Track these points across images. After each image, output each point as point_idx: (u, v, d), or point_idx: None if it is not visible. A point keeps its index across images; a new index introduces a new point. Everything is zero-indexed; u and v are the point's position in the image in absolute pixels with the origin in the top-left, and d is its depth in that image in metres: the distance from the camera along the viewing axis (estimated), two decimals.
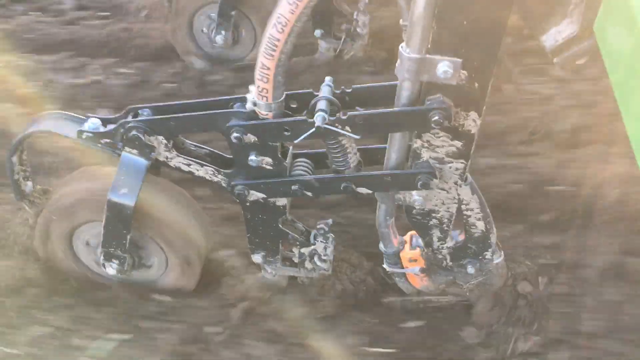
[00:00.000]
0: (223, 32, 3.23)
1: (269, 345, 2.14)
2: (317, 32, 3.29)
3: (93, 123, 1.91)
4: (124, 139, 1.87)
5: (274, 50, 1.60)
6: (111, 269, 2.10)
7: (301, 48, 3.33)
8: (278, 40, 1.59)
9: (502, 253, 2.06)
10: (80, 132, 1.90)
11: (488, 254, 2.02)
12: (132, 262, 2.14)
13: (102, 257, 2.09)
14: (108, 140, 1.90)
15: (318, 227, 2.09)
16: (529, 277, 2.22)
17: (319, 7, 3.19)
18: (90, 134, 1.90)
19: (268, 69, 1.64)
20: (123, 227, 1.99)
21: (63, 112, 2.00)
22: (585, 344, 2.10)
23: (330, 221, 2.11)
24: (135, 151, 1.90)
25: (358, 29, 3.29)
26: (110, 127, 1.89)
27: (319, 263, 2.10)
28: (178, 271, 2.17)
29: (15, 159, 2.01)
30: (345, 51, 3.36)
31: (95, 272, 2.24)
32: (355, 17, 3.27)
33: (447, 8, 1.49)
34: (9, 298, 2.23)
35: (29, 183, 2.10)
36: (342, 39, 3.32)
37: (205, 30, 3.35)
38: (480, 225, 1.95)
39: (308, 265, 2.11)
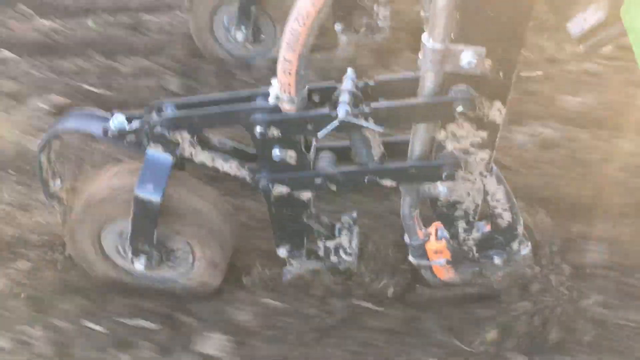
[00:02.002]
0: (243, 28, 3.24)
1: None
2: (337, 26, 3.28)
3: (118, 120, 1.92)
4: (149, 136, 1.89)
5: (296, 44, 1.60)
6: (139, 264, 2.12)
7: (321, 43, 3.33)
8: (300, 33, 1.59)
9: (529, 243, 2.04)
10: (106, 129, 1.92)
11: (515, 245, 2.01)
12: (159, 257, 2.15)
13: (130, 253, 2.11)
14: (133, 138, 1.92)
15: (342, 220, 2.08)
16: None
17: (339, 1, 3.18)
18: (116, 132, 1.92)
19: (290, 62, 1.64)
20: (150, 223, 2.01)
21: (88, 109, 2.03)
22: None
23: (354, 214, 2.10)
24: (160, 147, 1.91)
25: (379, 22, 3.27)
26: (135, 124, 1.91)
27: (344, 256, 2.10)
28: (204, 267, 2.18)
29: (43, 157, 2.03)
30: (366, 45, 3.34)
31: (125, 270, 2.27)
32: (375, 10, 3.24)
33: None
34: None
35: (58, 181, 2.12)
36: (362, 32, 3.29)
37: (225, 27, 3.36)
38: (507, 216, 1.93)
39: (333, 258, 2.11)
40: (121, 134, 1.92)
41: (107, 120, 1.94)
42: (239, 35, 3.25)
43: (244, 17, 3.21)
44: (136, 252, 2.10)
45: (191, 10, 3.36)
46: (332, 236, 2.08)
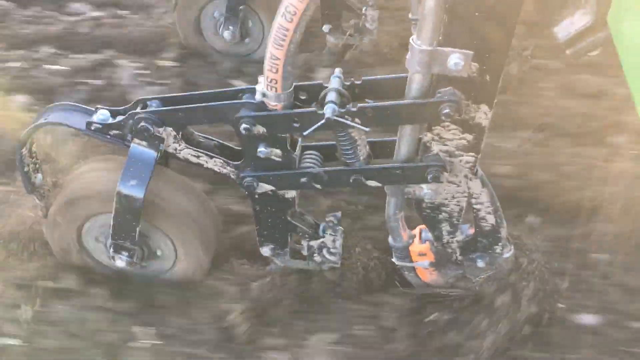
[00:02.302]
0: (231, 27, 3.22)
1: None
2: (326, 27, 3.27)
3: (102, 114, 1.90)
4: (133, 131, 1.87)
5: (284, 40, 1.60)
6: (120, 261, 2.10)
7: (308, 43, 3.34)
8: (287, 29, 1.58)
9: (512, 247, 2.04)
10: (89, 123, 1.90)
11: (498, 248, 2.01)
12: (141, 254, 2.13)
13: (111, 249, 2.09)
14: (117, 132, 1.90)
15: (327, 219, 2.08)
16: None
17: (328, 1, 3.18)
18: (99, 126, 1.90)
19: (277, 58, 1.64)
20: (132, 219, 1.98)
21: (72, 103, 2.00)
22: None
23: (339, 214, 2.10)
24: (144, 143, 1.89)
25: (367, 24, 3.27)
26: (119, 118, 1.89)
27: (327, 256, 2.09)
28: (187, 264, 2.17)
29: (25, 151, 2.00)
30: (354, 46, 3.34)
31: (105, 265, 2.24)
32: (364, 11, 3.25)
33: (459, 0, 1.48)
34: None
35: (39, 175, 2.09)
36: (350, 34, 3.29)
37: (212, 25, 3.34)
38: (491, 219, 1.94)
39: (317, 258, 2.11)
40: (105, 129, 1.90)
41: (91, 114, 1.92)
42: (227, 34, 3.24)
43: (232, 16, 3.20)
44: (118, 249, 2.08)
45: (178, 7, 3.34)
46: (316, 235, 2.07)
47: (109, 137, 1.91)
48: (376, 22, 3.28)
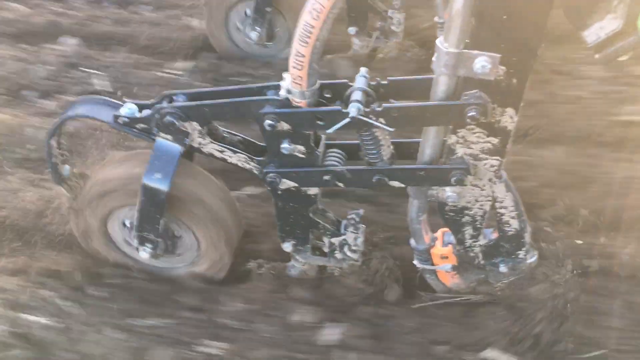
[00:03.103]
0: (257, 28, 3.24)
1: None
2: (351, 30, 3.28)
3: (129, 108, 1.93)
4: (159, 125, 1.89)
5: (309, 37, 1.60)
6: (144, 253, 2.13)
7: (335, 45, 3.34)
8: (313, 27, 1.58)
9: (536, 252, 2.02)
10: (117, 116, 1.92)
11: (521, 253, 1.98)
12: (164, 247, 2.16)
13: (135, 241, 2.12)
14: (143, 126, 1.92)
15: (349, 217, 2.08)
16: None
17: (353, 4, 3.19)
18: (126, 119, 1.92)
19: (303, 56, 1.64)
20: (157, 211, 2.01)
21: (100, 96, 2.04)
22: None
23: (361, 211, 2.09)
24: (169, 137, 1.91)
25: (392, 27, 3.26)
26: (146, 112, 1.91)
27: (348, 253, 2.09)
28: (209, 258, 2.19)
29: (53, 142, 2.04)
30: (379, 49, 3.33)
31: (130, 257, 2.27)
32: (390, 14, 3.24)
33: (487, 2, 1.46)
34: None
35: (67, 167, 2.13)
36: (376, 37, 3.29)
37: (239, 26, 3.37)
38: (515, 223, 1.91)
39: (338, 255, 2.11)
40: (132, 122, 1.92)
41: (118, 107, 1.95)
42: (253, 35, 3.27)
43: (259, 17, 3.22)
44: (142, 241, 2.10)
45: (207, 6, 3.37)
46: (337, 233, 2.07)
47: (135, 130, 1.94)
48: (402, 25, 3.27)
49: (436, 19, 2.77)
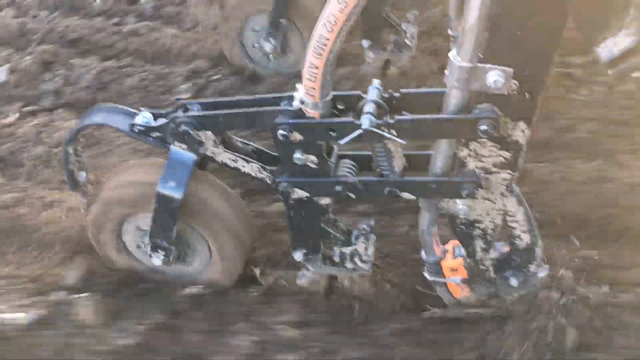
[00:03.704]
0: (272, 40, 3.27)
1: None
2: (365, 43, 3.28)
3: (145, 117, 1.96)
4: (174, 133, 1.92)
5: (323, 49, 1.61)
6: (157, 259, 2.15)
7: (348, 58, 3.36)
8: (327, 39, 1.59)
9: (547, 267, 2.01)
10: (133, 125, 1.95)
11: (532, 267, 1.98)
12: (177, 254, 2.18)
13: (149, 248, 2.14)
14: (158, 134, 1.95)
15: (360, 227, 2.08)
16: None
17: (367, 17, 3.20)
18: (142, 128, 1.95)
19: (317, 67, 1.65)
20: (170, 219, 2.03)
21: (116, 105, 2.07)
22: None
23: (372, 222, 2.10)
24: (184, 145, 1.94)
25: (406, 40, 3.27)
26: (161, 121, 1.94)
27: (359, 263, 2.09)
28: (220, 266, 2.20)
29: (70, 149, 2.08)
30: (392, 62, 3.34)
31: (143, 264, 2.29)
32: (404, 28, 3.25)
33: (501, 17, 1.47)
34: None
35: (83, 173, 2.16)
36: (390, 50, 3.30)
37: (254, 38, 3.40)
38: (526, 237, 1.91)
39: (348, 265, 2.11)
40: (147, 130, 1.95)
41: (134, 116, 1.98)
42: (267, 47, 3.29)
43: (273, 29, 3.25)
44: (155, 248, 2.13)
45: (222, 19, 3.40)
46: (348, 242, 2.08)
47: (150, 139, 1.96)
48: (415, 39, 3.28)
49: (449, 32, 2.77)
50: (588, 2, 1.37)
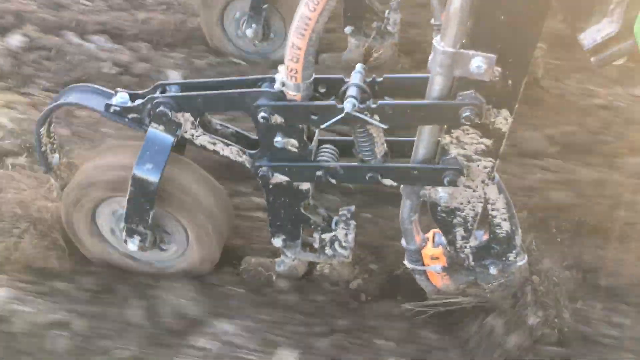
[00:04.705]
0: (254, 25, 3.23)
1: None
2: (348, 29, 3.27)
3: (121, 97, 1.91)
4: (151, 115, 1.88)
5: (305, 30, 1.59)
6: (132, 245, 2.11)
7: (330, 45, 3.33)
8: (310, 19, 1.57)
9: (526, 255, 2.01)
10: (108, 105, 1.91)
11: (512, 256, 1.98)
12: (153, 239, 2.14)
13: (124, 233, 2.10)
14: (135, 115, 1.91)
15: (340, 213, 2.07)
16: None
17: (350, 3, 3.19)
18: (118, 108, 1.91)
19: (299, 48, 1.63)
20: (146, 203, 2.00)
21: (92, 85, 2.02)
22: None
23: (352, 208, 2.09)
24: (161, 127, 1.90)
25: (389, 27, 3.26)
26: (138, 102, 1.90)
27: (339, 249, 2.08)
28: (197, 252, 2.17)
29: (43, 130, 2.02)
30: (375, 49, 3.32)
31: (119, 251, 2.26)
32: (386, 15, 3.23)
33: (485, 3, 1.46)
34: None
35: (56, 155, 2.11)
36: (372, 37, 3.28)
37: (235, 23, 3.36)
38: (506, 225, 1.91)
39: (328, 251, 2.10)
40: (123, 111, 1.91)
41: (110, 96, 1.93)
42: (249, 32, 3.26)
43: (255, 14, 3.21)
44: (130, 233, 2.09)
45: (203, 4, 3.35)
46: (328, 229, 2.06)
47: (127, 120, 1.92)
48: (398, 25, 3.26)
49: (432, 21, 2.77)
50: None
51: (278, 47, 3.35)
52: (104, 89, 1.98)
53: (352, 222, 2.07)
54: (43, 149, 2.05)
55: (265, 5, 3.18)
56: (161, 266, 2.26)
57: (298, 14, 1.58)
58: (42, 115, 2.00)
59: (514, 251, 1.97)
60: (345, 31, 3.27)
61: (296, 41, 1.62)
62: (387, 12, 3.23)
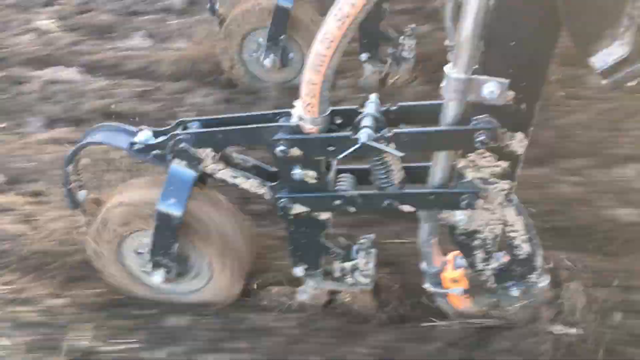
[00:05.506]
0: (272, 55, 3.29)
1: None
2: (363, 56, 3.32)
3: (145, 135, 1.97)
4: (174, 151, 1.92)
5: (321, 66, 1.63)
6: (157, 277, 2.15)
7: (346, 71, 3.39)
8: (325, 56, 1.61)
9: (548, 276, 2.02)
10: (132, 143, 1.96)
11: (533, 277, 1.99)
12: (178, 271, 2.18)
13: (150, 266, 2.14)
14: (158, 152, 1.95)
15: (360, 241, 2.09)
16: None
17: (365, 30, 3.24)
18: (142, 146, 1.96)
19: (314, 84, 1.66)
20: (170, 236, 2.04)
21: (116, 123, 2.08)
22: None
23: (372, 236, 2.11)
24: (183, 162, 1.94)
25: (404, 53, 3.30)
26: (161, 139, 1.94)
27: (360, 278, 2.10)
28: (221, 283, 2.20)
29: (70, 168, 2.08)
30: (390, 75, 3.37)
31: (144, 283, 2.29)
32: (401, 41, 3.28)
33: (496, 29, 1.49)
34: None
35: (83, 192, 2.17)
36: (388, 63, 3.33)
37: (254, 54, 3.42)
38: (526, 247, 1.92)
39: (349, 280, 2.11)
40: (147, 149, 1.96)
41: (134, 134, 1.99)
42: (267, 62, 3.31)
43: (273, 44, 3.27)
44: (155, 265, 2.12)
45: (224, 35, 3.42)
46: (349, 257, 2.08)
47: (150, 157, 1.97)
48: (413, 51, 3.30)
49: (446, 42, 2.80)
50: (581, 12, 1.39)
51: (297, 75, 3.40)
52: (128, 126, 2.04)
53: (372, 250, 2.09)
54: (70, 186, 2.10)
55: (283, 36, 3.25)
56: (185, 298, 2.28)
57: (313, 51, 1.62)
58: (69, 154, 2.06)
59: (535, 272, 1.98)
60: (360, 58, 3.32)
61: (312, 77, 1.66)
62: (401, 38, 3.28)
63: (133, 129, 2.02)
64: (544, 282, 2.01)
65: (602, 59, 1.39)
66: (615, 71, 1.39)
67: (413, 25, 3.32)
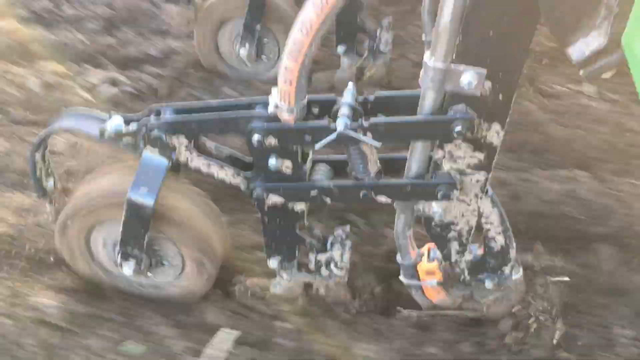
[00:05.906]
0: (247, 45, 3.26)
1: None
2: (340, 48, 3.30)
3: (116, 122, 1.91)
4: (146, 138, 1.88)
5: (298, 53, 1.60)
6: (127, 269, 2.10)
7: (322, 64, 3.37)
8: (302, 43, 1.59)
9: (521, 269, 2.03)
10: (103, 130, 1.91)
11: (507, 269, 1.99)
12: (148, 263, 2.13)
13: (119, 257, 2.09)
14: (130, 139, 1.91)
15: (335, 233, 2.07)
16: None
17: (343, 23, 3.22)
18: (113, 133, 1.91)
19: (292, 71, 1.64)
20: (142, 227, 1.99)
21: (86, 109, 2.02)
22: None
23: (347, 228, 2.09)
24: (156, 150, 1.90)
25: (381, 47, 3.29)
26: (133, 126, 1.90)
27: (334, 270, 2.08)
28: (193, 274, 2.17)
29: (37, 155, 2.02)
30: (367, 68, 3.36)
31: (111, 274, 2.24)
32: (378, 34, 3.27)
33: (474, 18, 1.49)
34: None
35: (51, 181, 2.11)
36: (364, 56, 3.32)
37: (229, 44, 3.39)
38: (500, 239, 1.92)
39: (324, 271, 2.10)
40: (118, 136, 1.91)
41: (104, 121, 1.94)
42: (242, 52, 3.28)
43: (248, 34, 3.24)
44: (125, 256, 2.08)
45: (197, 24, 3.38)
46: (324, 249, 2.06)
47: (121, 144, 1.93)
48: (389, 45, 3.30)
49: (423, 37, 2.80)
50: (559, 2, 1.39)
51: (272, 66, 3.37)
52: (99, 113, 1.99)
53: (348, 242, 2.07)
54: (37, 174, 2.04)
55: (258, 25, 3.21)
56: (155, 290, 2.24)
57: (291, 38, 1.60)
58: (36, 140, 2.00)
59: (508, 264, 1.98)
60: (337, 51, 3.30)
61: (289, 64, 1.63)
62: (378, 31, 3.27)
63: (103, 115, 1.97)
64: (516, 274, 2.02)
65: (580, 49, 1.39)
66: (593, 62, 1.39)
67: (390, 19, 3.30)
